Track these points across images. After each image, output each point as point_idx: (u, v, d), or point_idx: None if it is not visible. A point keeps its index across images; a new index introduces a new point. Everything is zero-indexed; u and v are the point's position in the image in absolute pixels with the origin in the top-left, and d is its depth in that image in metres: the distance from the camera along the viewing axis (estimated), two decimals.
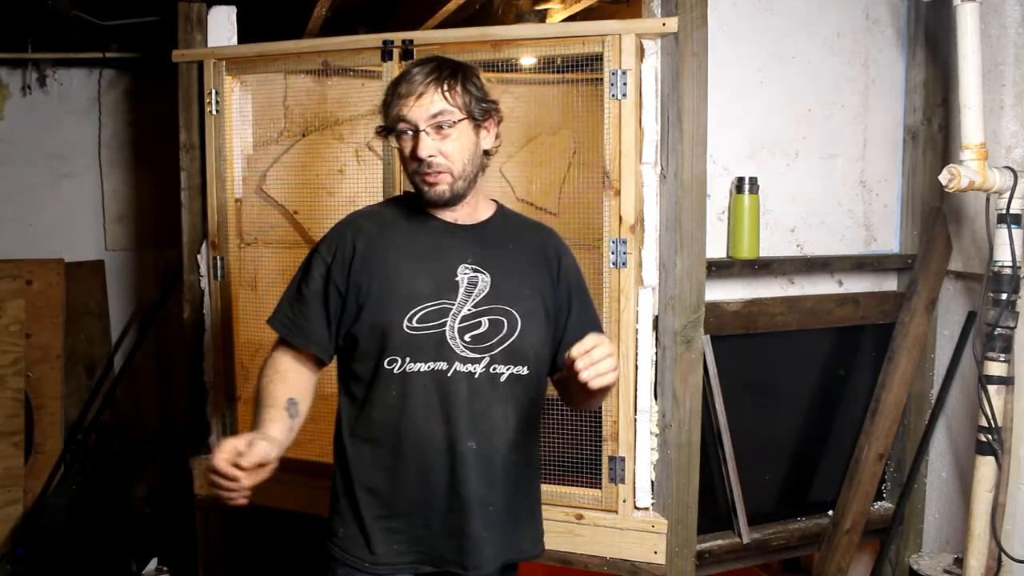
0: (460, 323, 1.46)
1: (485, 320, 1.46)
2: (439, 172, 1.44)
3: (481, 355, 1.46)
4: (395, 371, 1.46)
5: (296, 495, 2.32)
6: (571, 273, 1.58)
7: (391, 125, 1.47)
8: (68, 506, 2.99)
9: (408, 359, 1.45)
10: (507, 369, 1.47)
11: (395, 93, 1.45)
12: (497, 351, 1.47)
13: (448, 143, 1.43)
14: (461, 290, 1.47)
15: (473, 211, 1.54)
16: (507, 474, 1.50)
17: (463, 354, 1.46)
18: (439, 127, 1.43)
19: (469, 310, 1.46)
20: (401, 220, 1.54)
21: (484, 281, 1.48)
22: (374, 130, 1.53)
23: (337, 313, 1.50)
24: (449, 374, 1.45)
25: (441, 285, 1.47)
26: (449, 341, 1.45)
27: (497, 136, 1.53)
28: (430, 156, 1.42)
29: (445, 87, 1.43)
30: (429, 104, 1.42)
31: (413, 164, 1.46)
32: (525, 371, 1.49)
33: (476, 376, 1.46)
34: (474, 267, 1.49)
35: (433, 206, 1.50)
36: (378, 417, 1.48)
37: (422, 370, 1.45)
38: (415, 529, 1.49)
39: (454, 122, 1.43)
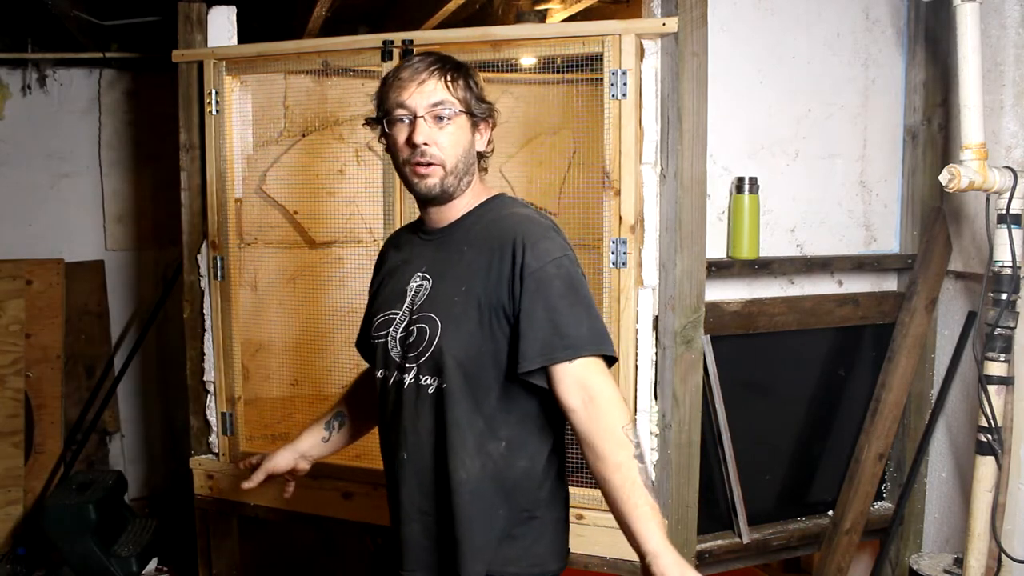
0: (400, 331, 1.44)
1: (415, 328, 1.41)
2: (431, 164, 1.39)
3: (412, 364, 1.41)
4: (376, 376, 1.53)
5: (296, 495, 2.32)
6: (532, 272, 1.33)
7: (388, 110, 1.41)
8: (68, 506, 2.99)
9: (373, 366, 1.52)
10: (432, 380, 1.39)
11: (395, 77, 1.41)
12: (423, 360, 1.40)
13: (444, 135, 1.39)
14: (407, 298, 1.45)
15: (453, 212, 1.47)
16: (448, 486, 1.39)
17: (400, 363, 1.44)
18: (438, 117, 1.39)
19: (409, 318, 1.44)
20: (407, 233, 1.59)
21: (425, 287, 1.44)
22: (364, 120, 1.49)
23: None
24: (389, 382, 1.46)
25: (396, 294, 1.48)
26: (390, 350, 1.45)
27: (490, 141, 1.49)
28: (425, 143, 1.37)
29: (448, 78, 1.40)
30: (431, 92, 1.38)
31: (406, 152, 1.40)
32: (444, 384, 1.38)
33: (405, 386, 1.42)
34: (423, 274, 1.46)
35: (423, 201, 1.46)
36: None
37: (378, 375, 1.49)
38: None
39: (454, 114, 1.39)
